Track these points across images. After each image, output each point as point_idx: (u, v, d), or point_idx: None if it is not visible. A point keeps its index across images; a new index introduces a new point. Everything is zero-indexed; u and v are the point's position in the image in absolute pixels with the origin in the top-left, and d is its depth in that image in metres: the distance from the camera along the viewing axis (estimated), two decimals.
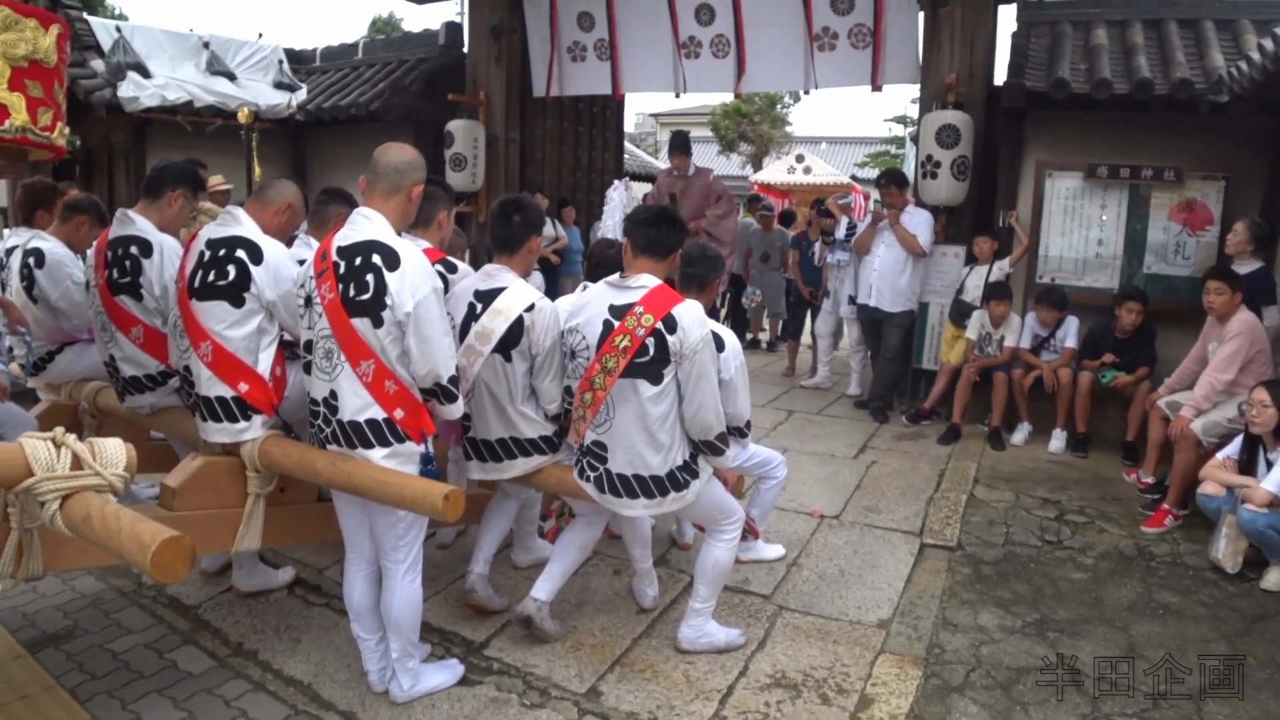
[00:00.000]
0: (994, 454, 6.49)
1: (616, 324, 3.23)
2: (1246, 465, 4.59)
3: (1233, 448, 4.74)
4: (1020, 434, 6.81)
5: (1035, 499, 5.51)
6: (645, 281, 3.27)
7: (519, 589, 3.96)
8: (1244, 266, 5.77)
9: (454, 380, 3.03)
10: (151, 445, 4.30)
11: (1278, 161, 6.62)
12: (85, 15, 9.70)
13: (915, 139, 8.24)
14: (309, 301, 3.00)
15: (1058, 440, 6.61)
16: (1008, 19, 8.73)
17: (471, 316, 3.41)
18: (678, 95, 9.34)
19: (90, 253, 3.94)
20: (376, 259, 2.87)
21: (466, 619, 3.86)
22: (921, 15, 7.72)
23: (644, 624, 3.88)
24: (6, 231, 4.71)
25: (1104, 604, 4.18)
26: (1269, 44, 4.96)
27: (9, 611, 3.85)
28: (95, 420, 4.20)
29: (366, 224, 2.96)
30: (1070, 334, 6.70)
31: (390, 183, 3.03)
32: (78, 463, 2.39)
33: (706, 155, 30.28)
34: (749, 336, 11.34)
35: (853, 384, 8.44)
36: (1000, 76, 7.37)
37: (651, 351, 3.18)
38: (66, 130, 4.20)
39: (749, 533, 4.41)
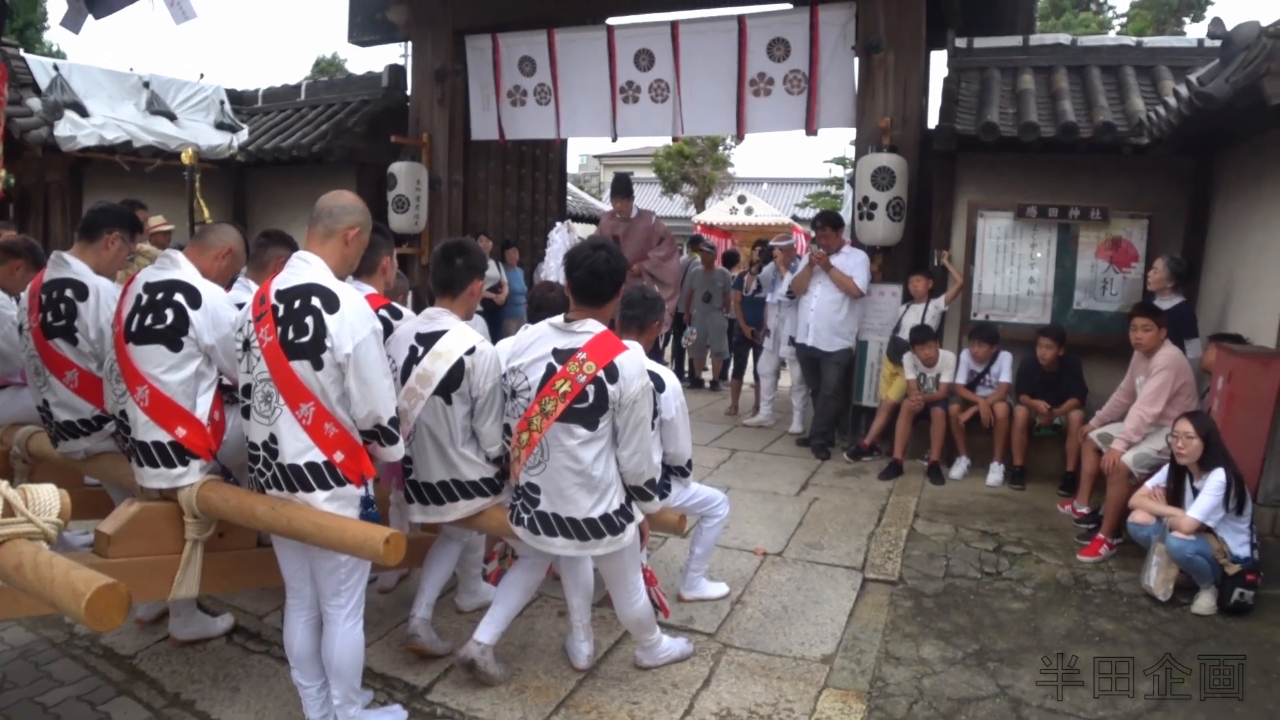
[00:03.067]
0: (933, 488, 6.60)
1: (559, 368, 3.24)
2: (1174, 494, 4.73)
3: (1161, 477, 4.88)
4: (959, 468, 6.94)
5: (974, 531, 5.61)
6: (590, 327, 3.29)
7: (462, 632, 3.93)
8: (1165, 302, 5.98)
9: (394, 422, 3.04)
10: (85, 491, 4.21)
11: (1197, 201, 6.90)
12: (22, 53, 9.55)
13: (852, 180, 8.44)
14: (247, 345, 2.99)
15: (995, 473, 6.74)
16: (939, 65, 9.04)
17: (413, 359, 3.42)
18: (614, 139, 9.46)
19: (24, 296, 3.88)
20: (316, 301, 2.88)
21: (409, 664, 3.82)
22: (856, 61, 7.94)
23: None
24: None
25: (1042, 633, 4.26)
26: (1184, 90, 5.19)
27: None
28: (28, 466, 4.11)
29: (305, 267, 2.97)
30: (1004, 369, 6.86)
31: (325, 226, 3.05)
32: (9, 510, 2.35)
33: (649, 196, 30.60)
34: (687, 374, 11.43)
35: (795, 422, 8.55)
36: (933, 120, 7.59)
37: (591, 399, 3.20)
38: (3, 172, 4.14)
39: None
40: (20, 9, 18.32)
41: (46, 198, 9.66)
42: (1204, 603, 4.46)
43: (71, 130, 8.81)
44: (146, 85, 9.95)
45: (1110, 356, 6.63)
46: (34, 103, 8.90)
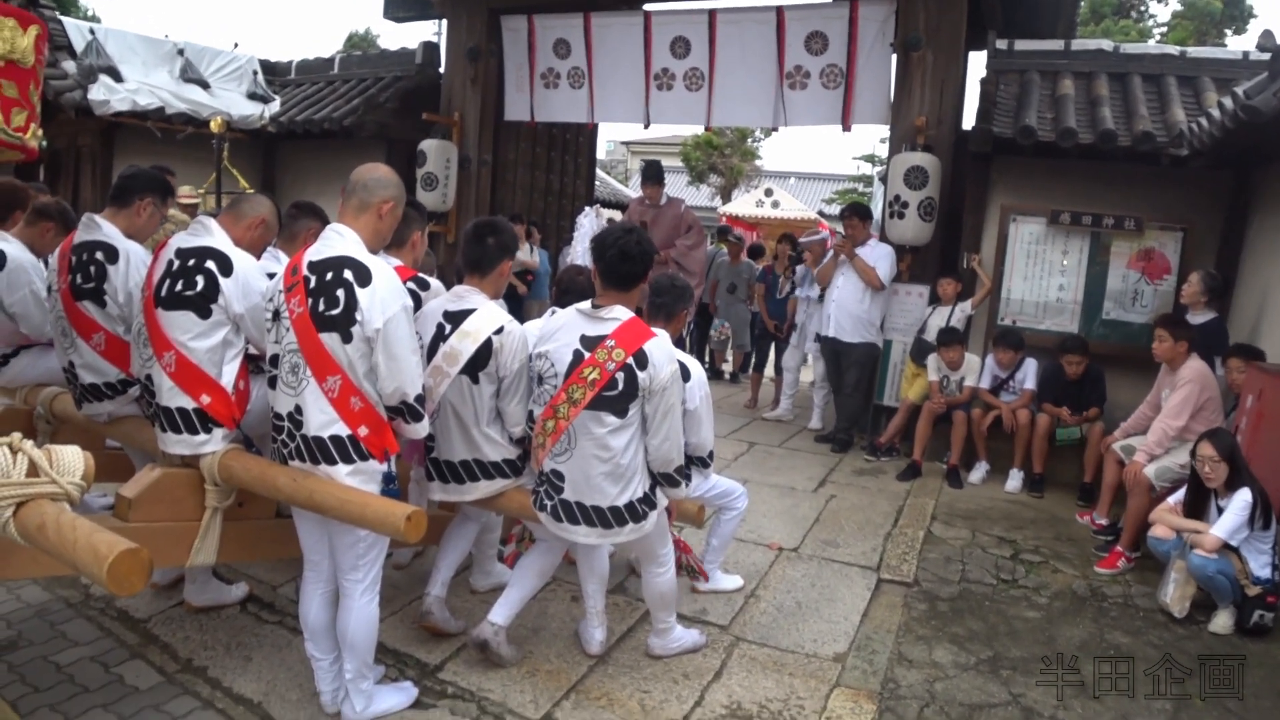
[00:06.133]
0: (952, 492, 6.55)
1: (587, 355, 3.23)
2: (1196, 511, 4.67)
3: (1184, 492, 4.82)
4: (978, 473, 6.89)
5: (991, 537, 5.57)
6: (618, 314, 3.28)
7: (476, 613, 3.92)
8: (1198, 317, 5.90)
9: (420, 399, 3.03)
10: (107, 454, 4.22)
11: (1233, 215, 6.80)
12: (59, 15, 9.59)
13: (884, 178, 8.38)
14: (277, 315, 2.98)
15: (1014, 480, 6.69)
16: (978, 65, 8.94)
17: (440, 337, 3.41)
18: (646, 126, 9.43)
19: (53, 257, 3.89)
20: (348, 274, 2.87)
21: (422, 641, 3.83)
22: (894, 58, 7.87)
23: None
24: None
25: (1057, 643, 4.22)
26: (1229, 102, 5.11)
27: None
28: (50, 426, 4.12)
29: (339, 240, 2.97)
30: (1029, 376, 6.80)
31: (359, 199, 3.04)
32: (34, 470, 2.35)
33: (676, 185, 30.54)
34: (707, 365, 11.38)
35: (814, 418, 8.52)
36: (969, 121, 7.52)
37: (620, 386, 3.19)
38: (40, 132, 4.15)
39: (697, 574, 4.41)
40: None
41: (78, 160, 9.72)
42: (1222, 622, 4.41)
43: (105, 94, 8.84)
44: (181, 53, 9.96)
45: (1138, 368, 6.55)
46: (69, 66, 8.93)
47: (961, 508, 6.16)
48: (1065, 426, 6.50)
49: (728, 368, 11.75)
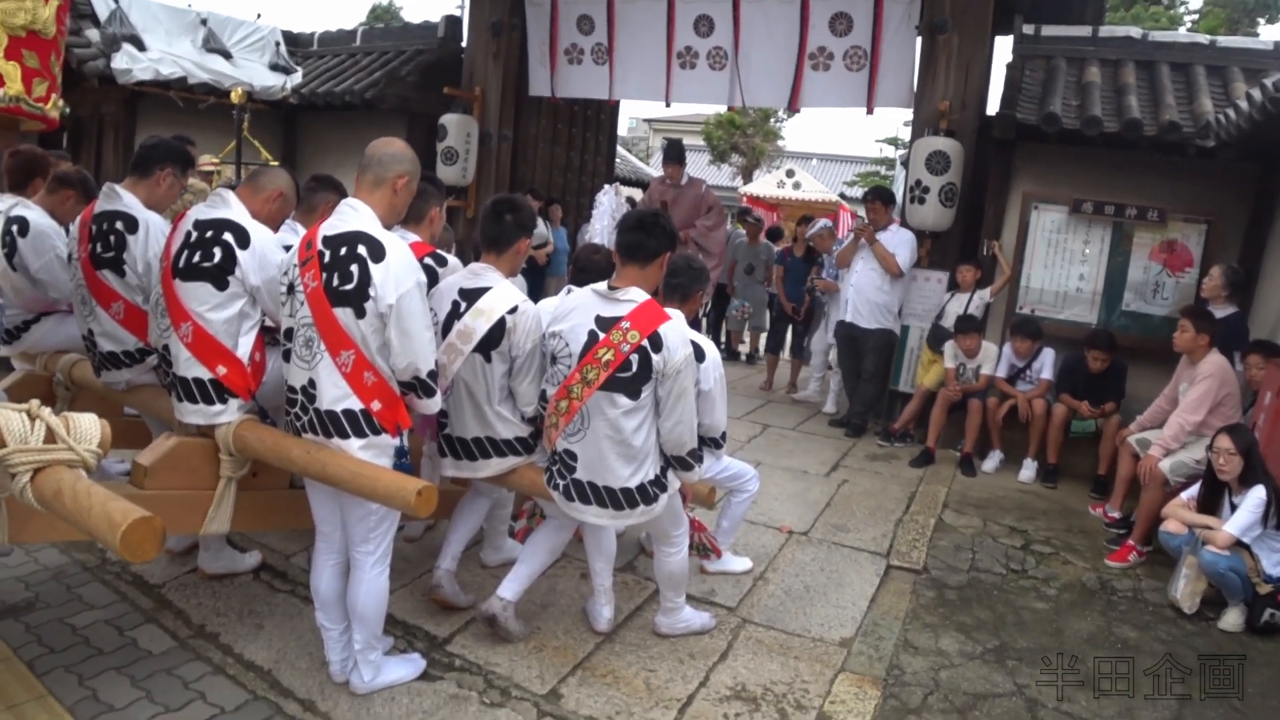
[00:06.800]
0: (964, 480, 6.54)
1: (601, 336, 3.23)
2: (1209, 507, 4.64)
3: (1198, 487, 4.80)
4: (991, 461, 6.87)
5: (1002, 527, 5.56)
6: (634, 295, 3.27)
7: (485, 587, 3.95)
8: (1219, 311, 5.83)
9: (433, 375, 3.05)
10: (124, 421, 4.27)
11: (1259, 209, 6.73)
12: None
13: (905, 162, 8.32)
14: (292, 289, 3.00)
15: (1028, 470, 6.67)
16: (1003, 50, 8.84)
17: (455, 314, 3.42)
18: (668, 105, 9.39)
19: (74, 226, 3.92)
20: (362, 250, 2.88)
21: (431, 614, 3.86)
22: (919, 41, 7.80)
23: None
24: None
25: (1064, 635, 4.22)
26: (1258, 94, 5.04)
27: None
28: (69, 393, 4.17)
29: (354, 215, 2.98)
30: (1046, 365, 6.76)
31: (374, 174, 3.04)
32: (51, 436, 2.39)
33: (698, 164, 30.40)
34: (723, 346, 11.37)
35: (829, 402, 8.51)
36: (993, 106, 7.45)
37: (634, 368, 3.19)
38: (61, 102, 4.18)
39: (711, 550, 4.44)
40: None
41: (100, 129, 9.76)
42: (1232, 619, 4.39)
43: (128, 63, 8.85)
44: (204, 23, 9.95)
45: (1156, 360, 6.50)
46: (92, 34, 8.95)
47: (974, 496, 6.15)
48: (1082, 419, 6.47)
49: (744, 349, 11.72)
